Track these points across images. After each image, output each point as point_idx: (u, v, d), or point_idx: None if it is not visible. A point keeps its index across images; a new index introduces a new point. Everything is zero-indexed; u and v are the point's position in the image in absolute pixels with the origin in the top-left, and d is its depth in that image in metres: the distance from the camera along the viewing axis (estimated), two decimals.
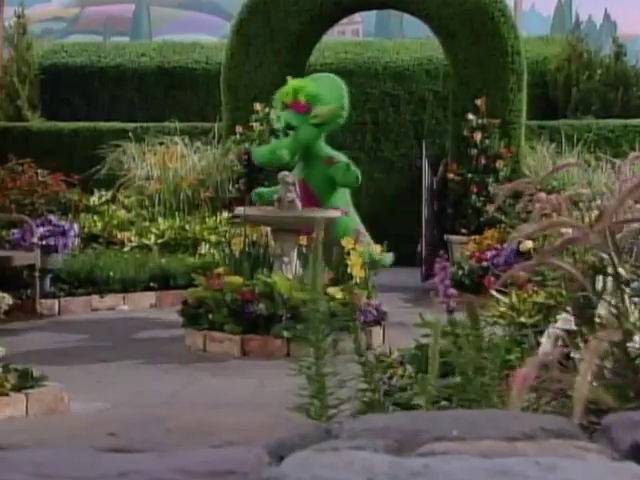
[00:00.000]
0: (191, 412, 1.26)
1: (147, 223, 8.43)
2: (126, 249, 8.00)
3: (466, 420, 1.12)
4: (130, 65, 11.23)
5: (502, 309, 2.91)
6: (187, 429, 1.19)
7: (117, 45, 11.94)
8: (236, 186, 9.04)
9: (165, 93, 11.05)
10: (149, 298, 7.42)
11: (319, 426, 1.19)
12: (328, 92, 6.51)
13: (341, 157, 6.62)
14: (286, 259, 5.70)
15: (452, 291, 1.45)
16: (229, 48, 9.35)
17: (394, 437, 1.08)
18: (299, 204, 5.80)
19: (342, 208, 6.37)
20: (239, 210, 5.92)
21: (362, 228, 6.58)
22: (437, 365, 1.32)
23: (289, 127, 6.33)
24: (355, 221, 6.56)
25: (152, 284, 7.45)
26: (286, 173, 5.85)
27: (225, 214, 8.59)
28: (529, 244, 3.85)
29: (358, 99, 10.50)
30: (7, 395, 3.72)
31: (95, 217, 8.58)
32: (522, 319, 2.71)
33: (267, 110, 8.99)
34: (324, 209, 6.61)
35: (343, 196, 6.49)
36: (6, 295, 6.43)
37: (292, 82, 6.55)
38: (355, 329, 1.69)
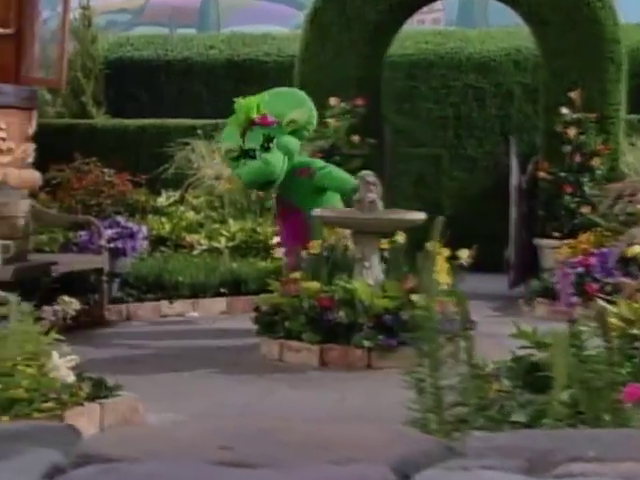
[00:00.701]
0: (301, 425, 1.29)
1: (217, 225, 8.55)
2: (195, 253, 8.13)
3: (602, 440, 1.12)
4: (198, 58, 11.41)
5: (612, 320, 2.87)
6: (300, 443, 1.22)
7: (184, 37, 12.14)
8: None
9: (235, 87, 11.15)
10: (219, 304, 7.53)
11: (440, 443, 1.20)
12: (289, 101, 6.46)
13: (316, 162, 6.61)
14: (367, 264, 5.73)
15: (575, 300, 1.44)
16: (303, 39, 9.42)
17: (525, 457, 1.08)
18: (380, 205, 5.82)
19: None
20: (316, 212, 5.96)
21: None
22: (563, 381, 1.32)
23: (268, 141, 6.16)
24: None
25: (222, 289, 7.56)
26: (367, 172, 5.87)
27: None
28: (638, 249, 3.78)
29: (439, 92, 10.48)
30: (81, 405, 3.83)
31: (163, 219, 8.75)
32: (635, 331, 2.67)
33: (343, 105, 9.04)
34: (400, 211, 6.61)
35: (333, 201, 6.38)
36: (74, 300, 6.61)
37: (248, 100, 6.34)
38: (468, 340, 1.70)
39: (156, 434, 1.31)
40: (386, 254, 5.98)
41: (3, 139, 7.54)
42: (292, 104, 6.39)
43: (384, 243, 5.98)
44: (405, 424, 1.60)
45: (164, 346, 6.12)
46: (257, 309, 5.93)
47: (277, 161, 6.14)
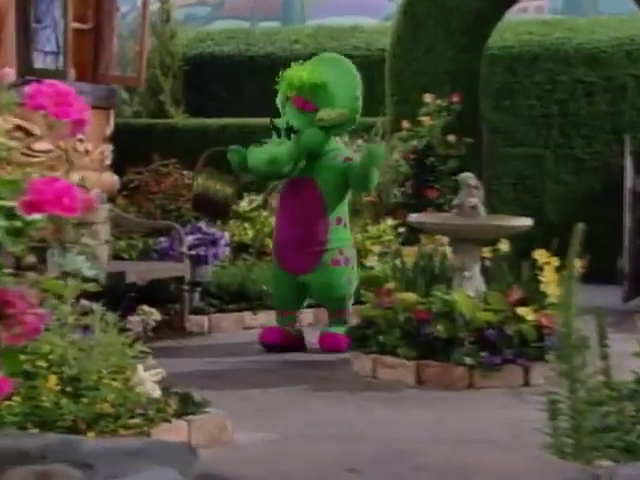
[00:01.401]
0: (436, 447, 1.29)
1: None
2: None
3: None
4: (282, 53, 11.50)
5: None
6: (436, 468, 1.22)
7: (268, 31, 12.27)
8: (402, 189, 9.09)
9: None
10: (306, 315, 7.56)
11: (586, 471, 1.19)
12: (338, 81, 6.23)
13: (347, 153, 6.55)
14: (467, 274, 5.69)
15: None
16: (395, 31, 9.42)
17: None
18: (482, 210, 5.77)
19: (343, 218, 6.37)
20: (413, 217, 5.94)
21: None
22: None
23: (291, 130, 6.14)
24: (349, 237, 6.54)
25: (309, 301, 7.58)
26: (468, 174, 5.83)
27: (390, 221, 8.65)
28: None
29: (543, 88, 10.34)
30: (168, 421, 3.90)
31: (245, 224, 8.84)
32: None
33: (438, 102, 9.01)
34: (504, 217, 6.54)
35: (345, 203, 6.41)
36: (154, 311, 6.74)
37: (297, 70, 6.22)
38: (605, 358, 1.67)
39: (279, 454, 1.33)
40: (488, 263, 5.92)
41: (81, 140, 7.74)
42: (344, 86, 6.25)
43: (486, 251, 5.93)
44: (541, 449, 1.58)
45: (249, 360, 6.18)
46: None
47: (288, 159, 6.08)
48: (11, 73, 1.39)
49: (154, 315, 6.76)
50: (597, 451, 1.48)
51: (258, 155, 6.16)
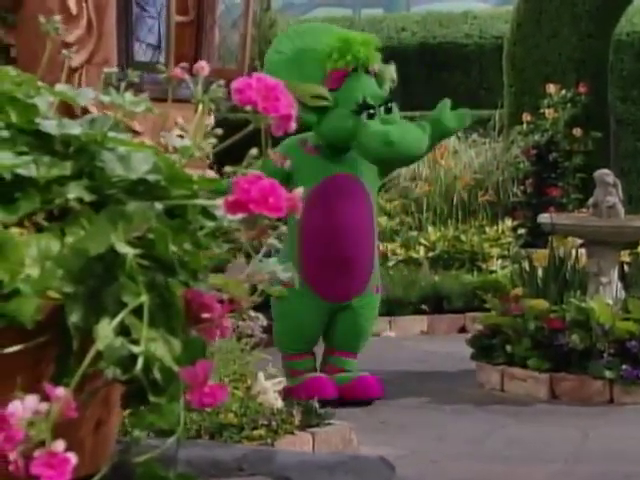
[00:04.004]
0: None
1: (414, 233, 8.59)
2: (390, 264, 8.19)
3: None
4: (388, 43, 11.48)
5: None
6: None
7: (372, 19, 12.31)
8: (522, 187, 9.00)
9: (428, 74, 11.22)
10: (419, 323, 7.56)
11: None
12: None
13: None
14: (604, 279, 5.59)
15: None
16: (515, 17, 9.33)
17: None
18: (621, 210, 5.67)
19: None
20: (543, 218, 5.87)
21: None
22: None
23: (389, 102, 5.11)
24: None
25: (422, 306, 7.58)
26: (606, 171, 5.74)
27: (509, 222, 8.58)
28: None
29: None
30: (292, 433, 3.93)
31: None
32: None
33: (563, 92, 8.89)
34: None
35: None
36: (260, 315, 6.81)
37: (361, 35, 5.25)
38: None
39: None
40: (627, 268, 5.81)
41: (181, 136, 7.90)
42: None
43: (625, 255, 5.82)
44: None
45: (362, 370, 6.18)
46: (463, 329, 5.83)
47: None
48: (206, 67, 1.42)
49: (260, 320, 6.83)
50: None
51: (409, 129, 5.13)
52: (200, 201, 1.27)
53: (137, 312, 1.19)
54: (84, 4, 6.08)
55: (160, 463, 1.32)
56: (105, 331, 1.15)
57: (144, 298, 1.17)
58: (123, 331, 1.18)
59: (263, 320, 6.78)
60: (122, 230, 1.18)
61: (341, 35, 5.16)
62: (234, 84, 1.29)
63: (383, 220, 9.00)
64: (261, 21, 11.49)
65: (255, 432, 3.76)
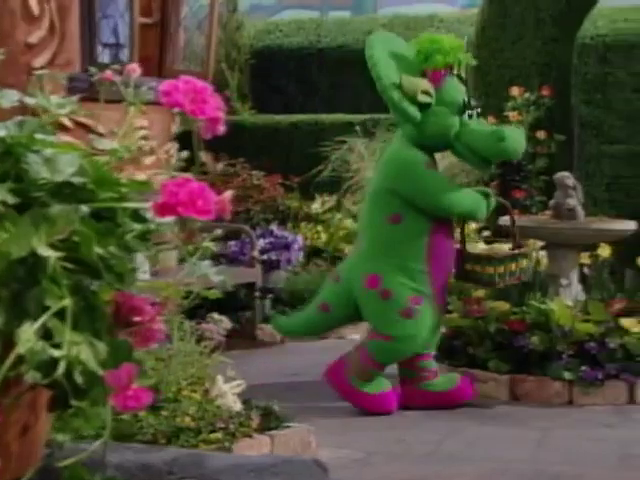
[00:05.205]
0: (594, 470, 1.27)
1: None
2: None
3: None
4: (355, 45, 11.51)
5: None
6: None
7: (339, 21, 12.30)
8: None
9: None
10: None
11: None
12: None
13: None
14: (564, 281, 5.63)
15: None
16: (479, 21, 9.37)
17: None
18: (581, 213, 5.71)
19: None
20: (504, 220, 5.90)
21: None
22: None
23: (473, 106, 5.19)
24: None
25: None
26: (566, 174, 5.78)
27: (473, 224, 8.60)
28: None
29: None
30: (250, 436, 3.93)
31: (318, 227, 8.87)
32: None
33: (527, 95, 8.94)
34: (605, 220, 6.45)
35: None
36: (224, 318, 6.79)
37: (452, 39, 5.17)
38: None
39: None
40: (587, 270, 5.86)
41: (145, 138, 7.87)
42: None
43: (585, 257, 5.86)
44: None
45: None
46: None
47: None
48: (137, 69, 1.42)
49: (224, 323, 6.81)
50: None
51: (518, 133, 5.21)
52: (127, 204, 1.26)
53: (61, 315, 1.18)
54: (46, 5, 6.04)
55: (88, 467, 1.31)
56: (26, 335, 1.14)
57: (67, 301, 1.16)
58: (47, 335, 1.18)
59: (227, 323, 6.81)
60: (45, 233, 1.17)
61: (435, 37, 5.21)
62: (161, 86, 1.29)
63: (348, 222, 9.00)
64: (227, 23, 11.46)
65: (213, 435, 3.75)
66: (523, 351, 5.37)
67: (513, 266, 5.46)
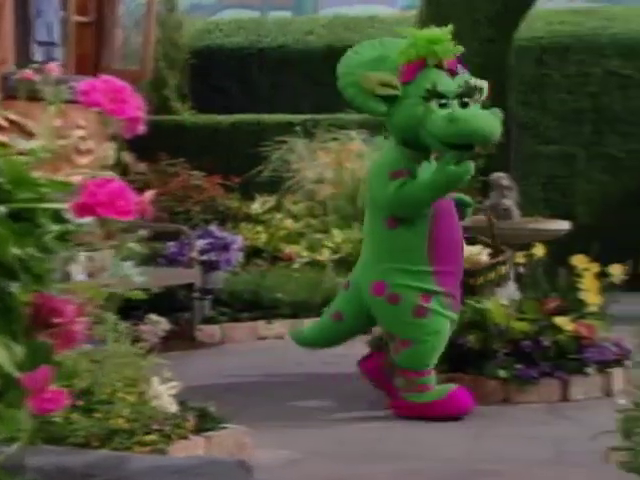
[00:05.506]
0: (509, 468, 1.29)
1: (319, 235, 8.62)
2: (295, 266, 8.21)
3: None
4: (295, 45, 11.53)
5: None
6: None
7: (279, 21, 12.29)
8: None
9: (336, 78, 11.24)
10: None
11: None
12: None
13: None
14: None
15: None
16: (418, 21, 9.40)
17: None
18: (516, 212, 5.78)
19: None
20: (476, 220, 5.91)
21: None
22: None
23: (469, 94, 5.00)
24: None
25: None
26: (501, 175, 5.84)
27: None
28: None
29: (575, 81, 10.33)
30: (186, 438, 3.91)
31: (258, 228, 8.87)
32: None
33: None
34: (540, 220, 6.54)
35: None
36: (162, 320, 6.74)
37: (434, 32, 5.07)
38: None
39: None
40: (522, 270, 5.92)
41: (83, 138, 7.78)
42: None
43: (520, 257, 5.92)
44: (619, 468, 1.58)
45: (264, 373, 6.19)
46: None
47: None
48: (56, 68, 1.40)
49: (162, 324, 6.76)
50: None
51: (478, 112, 4.92)
52: (45, 204, 1.25)
53: None
54: None
55: (7, 470, 1.29)
56: None
57: None
58: None
59: (166, 324, 6.76)
60: None
61: (413, 31, 5.15)
62: (80, 86, 1.28)
63: (289, 223, 9.01)
64: (166, 22, 11.39)
65: (147, 437, 3.73)
66: (460, 350, 5.40)
67: (492, 275, 5.50)
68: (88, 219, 1.28)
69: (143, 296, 1.40)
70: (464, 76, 5.07)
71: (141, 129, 1.28)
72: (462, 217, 5.23)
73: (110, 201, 1.23)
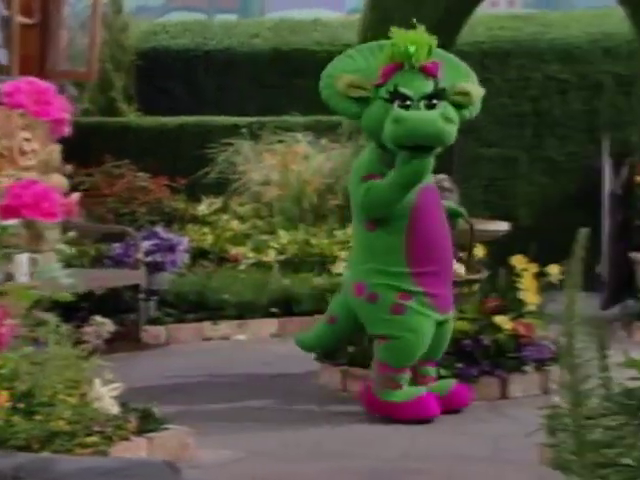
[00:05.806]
0: (435, 465, 1.29)
1: (265, 236, 8.61)
2: (241, 267, 8.19)
3: None
4: (240, 48, 11.51)
5: None
6: None
7: (225, 24, 12.26)
8: None
9: (283, 81, 11.25)
10: (270, 326, 7.57)
11: None
12: (456, 67, 5.52)
13: None
14: None
15: None
16: (362, 25, 9.44)
17: None
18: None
19: None
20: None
21: None
22: None
23: (437, 96, 4.93)
24: None
25: (273, 309, 7.60)
26: (443, 176, 5.86)
27: None
28: None
29: (515, 85, 10.43)
30: (127, 439, 3.87)
31: (204, 229, 8.83)
32: None
33: None
34: (480, 221, 6.58)
35: None
36: (107, 321, 6.69)
37: (413, 34, 5.16)
38: (605, 370, 1.70)
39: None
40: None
41: (27, 140, 7.68)
42: (459, 73, 5.41)
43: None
44: (546, 466, 1.59)
45: (209, 373, 6.16)
46: None
47: (455, 122, 4.89)
48: None
49: (107, 326, 6.71)
50: (603, 468, 1.50)
51: (422, 113, 4.83)
52: None
53: None
54: None
55: None
56: None
57: None
58: None
59: (111, 326, 6.71)
60: None
61: (397, 33, 5.18)
62: (3, 87, 1.26)
63: (235, 224, 8.99)
64: (112, 24, 11.31)
65: (89, 439, 3.69)
66: None
67: (466, 289, 5.52)
68: (14, 221, 1.27)
69: (70, 298, 1.38)
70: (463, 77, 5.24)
71: (66, 131, 1.26)
72: (452, 227, 5.25)
73: (35, 203, 1.22)
